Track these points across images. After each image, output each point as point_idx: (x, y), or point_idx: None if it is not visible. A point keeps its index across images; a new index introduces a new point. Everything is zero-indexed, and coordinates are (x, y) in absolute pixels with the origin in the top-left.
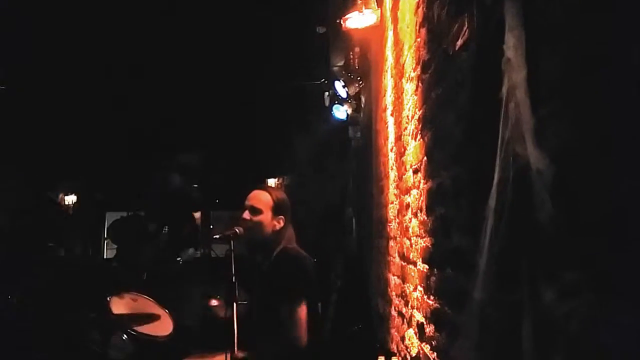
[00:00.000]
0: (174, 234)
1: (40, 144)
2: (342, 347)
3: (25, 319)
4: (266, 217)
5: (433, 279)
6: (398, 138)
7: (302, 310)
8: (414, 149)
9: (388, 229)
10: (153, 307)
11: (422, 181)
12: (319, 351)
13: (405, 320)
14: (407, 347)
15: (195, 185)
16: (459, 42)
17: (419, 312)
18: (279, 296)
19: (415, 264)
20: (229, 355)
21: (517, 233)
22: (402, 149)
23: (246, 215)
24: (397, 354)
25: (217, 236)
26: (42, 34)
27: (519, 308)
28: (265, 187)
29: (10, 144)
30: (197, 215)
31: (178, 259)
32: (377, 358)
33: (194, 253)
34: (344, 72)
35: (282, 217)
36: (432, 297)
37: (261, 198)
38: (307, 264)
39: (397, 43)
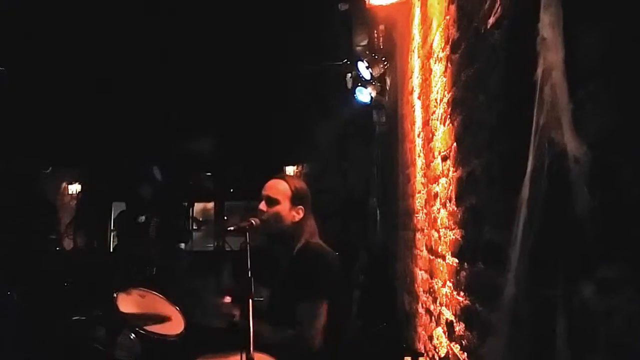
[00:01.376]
0: (162, 227)
1: (42, 130)
2: (366, 347)
3: (25, 316)
4: (284, 207)
5: (463, 273)
6: (426, 123)
7: (321, 311)
8: (442, 135)
9: (415, 221)
10: (163, 304)
11: (451, 169)
12: (341, 351)
13: (433, 318)
14: (435, 347)
15: (208, 174)
16: (491, 20)
17: (448, 309)
18: (298, 294)
19: (444, 257)
20: (244, 356)
21: (552, 225)
22: (430, 135)
23: (262, 206)
24: (425, 354)
25: (232, 228)
26: (46, 15)
27: (554, 304)
28: (283, 176)
29: (11, 129)
30: (210, 205)
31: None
32: (403, 358)
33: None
34: (367, 52)
35: (302, 207)
36: (462, 294)
37: (278, 187)
38: (332, 261)
39: (425, 21)
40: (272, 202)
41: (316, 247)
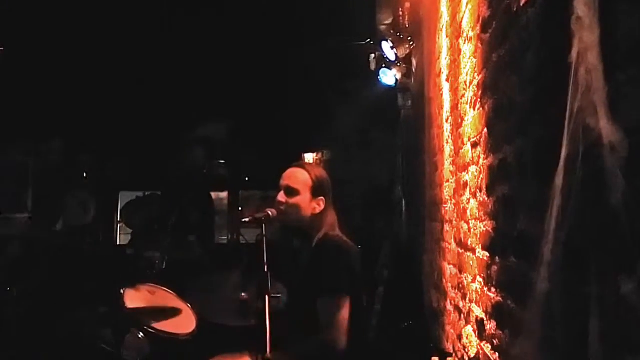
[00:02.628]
0: (183, 219)
1: (43, 113)
2: (391, 347)
3: (26, 314)
4: (304, 198)
5: (494, 268)
6: (454, 107)
7: (344, 308)
8: (472, 120)
9: (443, 212)
10: (173, 301)
11: (481, 156)
12: (364, 351)
13: (462, 315)
14: (464, 347)
15: (222, 162)
16: None
17: (479, 306)
18: (318, 290)
19: (474, 251)
20: (260, 356)
21: (587, 217)
22: (459, 120)
23: (281, 196)
24: (453, 355)
25: (247, 219)
26: None
27: (589, 301)
28: (303, 165)
29: (11, 112)
30: (224, 195)
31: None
32: (430, 359)
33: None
34: (392, 31)
35: (322, 198)
36: (493, 289)
37: (298, 177)
38: (353, 255)
39: None
40: (291, 192)
41: (335, 239)
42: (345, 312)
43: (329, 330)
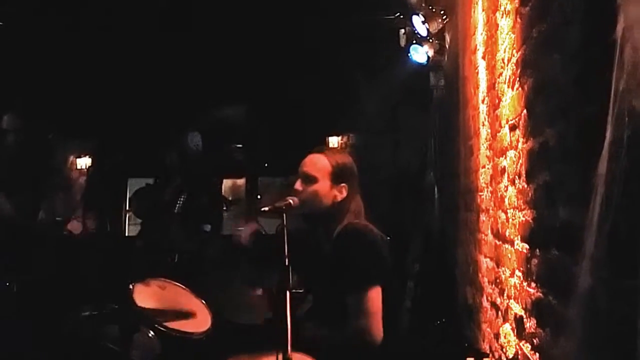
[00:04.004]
0: (190, 205)
1: (45, 92)
2: (423, 347)
3: (26, 310)
4: (323, 186)
5: (535, 261)
6: (491, 86)
7: (376, 298)
8: (510, 100)
9: (478, 200)
10: (186, 297)
11: (520, 140)
12: (394, 351)
13: (500, 313)
14: (502, 347)
15: (239, 146)
16: None
17: (517, 302)
18: (346, 284)
19: (512, 242)
20: (280, 356)
21: (633, 205)
22: (497, 100)
23: (297, 185)
24: (490, 355)
25: (266, 208)
26: None
27: (636, 297)
28: (323, 150)
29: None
30: (241, 182)
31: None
32: (465, 359)
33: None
34: (423, 5)
35: (345, 185)
36: (533, 284)
37: (316, 163)
38: (379, 242)
39: None
40: (309, 179)
41: (359, 226)
42: (377, 302)
43: (362, 319)
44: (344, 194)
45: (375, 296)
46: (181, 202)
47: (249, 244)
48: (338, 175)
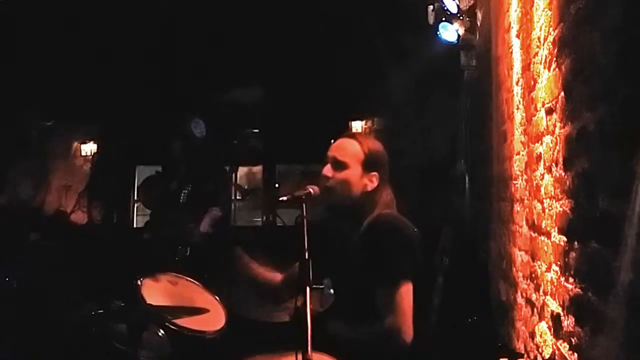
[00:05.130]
0: (195, 195)
1: (48, 75)
2: (452, 346)
3: (27, 307)
4: (354, 173)
5: (573, 255)
6: (526, 67)
7: (407, 294)
8: (547, 82)
9: (512, 189)
10: (198, 293)
11: (558, 124)
12: (422, 352)
13: (535, 310)
14: (537, 346)
15: (255, 131)
16: None
17: (554, 299)
18: (375, 279)
19: (548, 235)
20: (300, 356)
21: None
22: (532, 82)
23: (327, 170)
24: (525, 355)
25: (284, 198)
26: None
27: None
28: (354, 135)
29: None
30: (257, 169)
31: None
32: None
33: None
34: None
35: (376, 173)
36: (571, 280)
37: (348, 148)
38: (412, 235)
39: None
40: (339, 165)
41: (391, 218)
42: (408, 299)
43: (391, 317)
44: (375, 183)
45: (406, 293)
46: (185, 194)
47: (209, 230)
48: (370, 163)
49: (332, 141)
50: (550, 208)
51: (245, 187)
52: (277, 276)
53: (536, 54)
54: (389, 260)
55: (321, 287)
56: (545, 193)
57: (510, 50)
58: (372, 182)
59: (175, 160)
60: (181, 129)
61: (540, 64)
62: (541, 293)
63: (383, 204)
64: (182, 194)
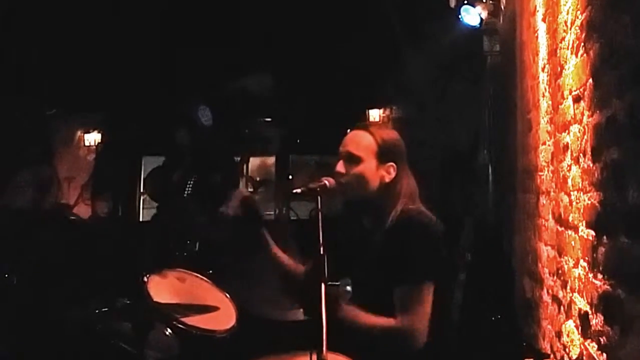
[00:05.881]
0: (201, 187)
1: (50, 61)
2: (475, 345)
3: (27, 305)
4: (368, 166)
5: (602, 250)
6: (552, 53)
7: (427, 296)
8: (574, 68)
9: (538, 181)
10: (208, 290)
11: (586, 113)
12: (443, 350)
13: (562, 308)
14: (564, 346)
15: (268, 120)
16: None
17: (582, 296)
18: (397, 278)
19: (576, 229)
20: (314, 356)
21: None
22: (558, 68)
23: (340, 167)
24: (551, 355)
25: (298, 191)
26: None
27: None
28: (366, 126)
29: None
30: (270, 160)
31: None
32: None
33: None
34: None
35: (392, 164)
36: (600, 276)
37: (360, 141)
38: (439, 234)
39: None
40: (353, 160)
41: (419, 215)
42: (428, 302)
43: (406, 317)
44: (392, 174)
45: (427, 294)
46: (191, 185)
47: (240, 212)
48: (385, 154)
49: (348, 131)
50: (577, 201)
51: (257, 178)
52: (301, 267)
53: (563, 38)
54: (414, 260)
55: (337, 284)
56: (572, 185)
57: (536, 34)
58: (389, 173)
59: (180, 149)
60: (187, 116)
61: (567, 49)
62: (568, 290)
63: (405, 194)
64: (188, 185)
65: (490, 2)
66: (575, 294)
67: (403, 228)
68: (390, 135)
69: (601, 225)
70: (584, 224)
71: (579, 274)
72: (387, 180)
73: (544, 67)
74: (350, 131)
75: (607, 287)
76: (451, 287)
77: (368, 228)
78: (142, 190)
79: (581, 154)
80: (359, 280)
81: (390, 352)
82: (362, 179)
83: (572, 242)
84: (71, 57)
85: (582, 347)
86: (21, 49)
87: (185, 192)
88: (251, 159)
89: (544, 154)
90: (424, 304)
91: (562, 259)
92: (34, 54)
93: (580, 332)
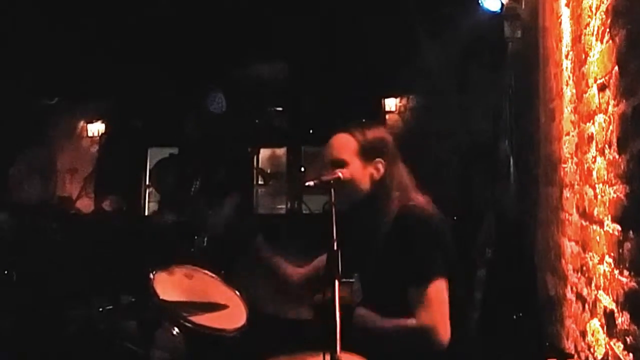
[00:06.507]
0: (211, 177)
1: (51, 48)
2: (496, 346)
3: (28, 303)
4: (354, 167)
5: (628, 245)
6: (576, 39)
7: (441, 291)
8: (599, 55)
9: (561, 173)
10: (217, 287)
11: (611, 102)
12: (462, 352)
13: (587, 306)
14: (589, 346)
15: (279, 109)
16: None
17: (608, 294)
18: (405, 273)
19: (601, 223)
20: (327, 356)
21: None
22: (583, 55)
23: (330, 175)
24: (575, 356)
25: (311, 183)
26: None
27: None
28: (346, 129)
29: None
30: (281, 152)
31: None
32: None
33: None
34: None
35: (380, 160)
36: (626, 273)
37: (342, 144)
38: (442, 227)
39: None
40: (337, 165)
41: (415, 210)
42: (442, 296)
43: (424, 314)
44: (382, 170)
45: (439, 289)
46: (199, 178)
47: (231, 216)
48: (368, 151)
49: (364, 120)
50: (603, 194)
51: (268, 171)
52: (299, 271)
53: (587, 24)
54: (416, 258)
55: (351, 280)
56: (597, 177)
57: (559, 20)
58: (378, 170)
59: (189, 139)
60: (196, 105)
61: (592, 35)
62: (593, 287)
63: (400, 188)
64: (196, 178)
65: None
66: (601, 292)
67: (402, 226)
68: (372, 133)
69: (627, 219)
70: (610, 218)
71: (604, 270)
72: (377, 177)
73: (568, 54)
74: (333, 136)
75: (633, 284)
76: (471, 284)
77: (369, 227)
78: (147, 182)
79: (606, 145)
80: (365, 280)
81: (412, 353)
82: (350, 181)
83: (597, 237)
84: (74, 42)
85: (608, 346)
86: (23, 34)
87: (193, 185)
88: (262, 151)
89: (567, 144)
90: (440, 300)
91: (586, 255)
92: (36, 39)
93: (605, 331)
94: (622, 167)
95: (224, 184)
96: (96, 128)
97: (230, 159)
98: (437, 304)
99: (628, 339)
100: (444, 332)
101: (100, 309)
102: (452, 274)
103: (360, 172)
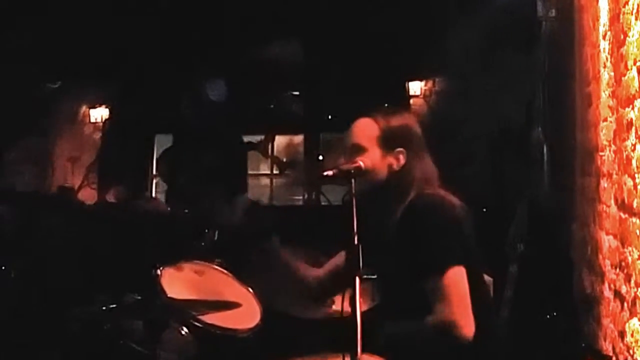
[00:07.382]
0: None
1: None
2: (528, 346)
3: (27, 301)
4: (372, 156)
5: None
6: (615, 18)
7: (459, 280)
8: (639, 36)
9: (598, 162)
10: (229, 285)
11: None
12: (492, 351)
13: (626, 304)
14: (628, 347)
15: (296, 94)
16: None
17: None
18: (419, 264)
19: None
20: (347, 358)
21: None
22: (622, 36)
23: (349, 165)
24: (613, 357)
25: (329, 173)
26: None
27: None
28: (371, 113)
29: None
30: (298, 139)
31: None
32: None
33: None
34: None
35: (402, 150)
36: None
37: (363, 130)
38: (454, 212)
39: None
40: (357, 151)
41: (432, 198)
42: (461, 286)
43: (443, 308)
44: (402, 161)
45: (457, 279)
46: (204, 168)
47: (245, 222)
48: (389, 140)
49: (386, 105)
50: None
51: (284, 159)
52: (317, 273)
53: (627, 2)
54: (428, 244)
55: (373, 277)
56: (637, 167)
57: None
58: (398, 160)
59: (187, 126)
60: (193, 90)
61: (632, 14)
62: (632, 285)
63: (420, 181)
64: (202, 168)
65: None
66: None
67: (415, 212)
68: (397, 120)
69: None
70: None
71: None
72: (396, 167)
73: (605, 34)
74: (356, 120)
75: None
76: (502, 280)
77: (382, 220)
78: (154, 172)
79: None
80: (381, 273)
81: (433, 350)
82: (369, 170)
83: (637, 231)
84: (77, 24)
85: None
86: (25, 17)
87: (198, 175)
88: (277, 138)
89: (605, 131)
90: (459, 291)
91: (625, 250)
92: (38, 22)
93: None
94: None
95: (218, 175)
96: (99, 113)
97: (228, 147)
98: (455, 296)
99: None
100: (466, 326)
101: (104, 308)
102: (476, 267)
103: (378, 161)
